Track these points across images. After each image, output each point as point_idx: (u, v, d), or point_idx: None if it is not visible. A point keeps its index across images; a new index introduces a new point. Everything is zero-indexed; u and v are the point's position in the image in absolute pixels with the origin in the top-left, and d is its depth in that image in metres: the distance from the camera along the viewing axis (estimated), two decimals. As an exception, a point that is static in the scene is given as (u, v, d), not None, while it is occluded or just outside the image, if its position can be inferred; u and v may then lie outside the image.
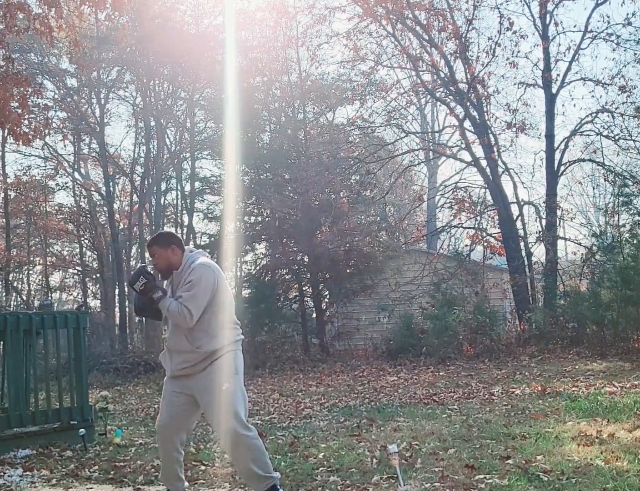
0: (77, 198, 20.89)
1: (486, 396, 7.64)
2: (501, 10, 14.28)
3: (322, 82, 17.81)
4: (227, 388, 3.61)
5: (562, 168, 15.00)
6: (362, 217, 18.07)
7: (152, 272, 3.81)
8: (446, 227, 17.03)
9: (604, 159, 14.81)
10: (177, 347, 3.72)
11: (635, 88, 14.13)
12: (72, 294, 23.66)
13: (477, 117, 14.86)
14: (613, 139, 14.40)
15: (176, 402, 3.76)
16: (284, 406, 8.18)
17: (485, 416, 6.24)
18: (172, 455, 3.79)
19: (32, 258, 21.53)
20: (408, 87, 17.70)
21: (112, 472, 4.92)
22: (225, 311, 3.75)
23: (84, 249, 21.79)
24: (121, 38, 13.35)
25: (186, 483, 3.98)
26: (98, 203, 20.79)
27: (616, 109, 14.26)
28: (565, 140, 14.84)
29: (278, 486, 3.69)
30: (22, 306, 19.84)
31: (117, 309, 19.13)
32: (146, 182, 19.77)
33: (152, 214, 19.81)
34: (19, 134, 8.60)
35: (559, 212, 14.73)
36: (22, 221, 21.04)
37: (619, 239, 13.27)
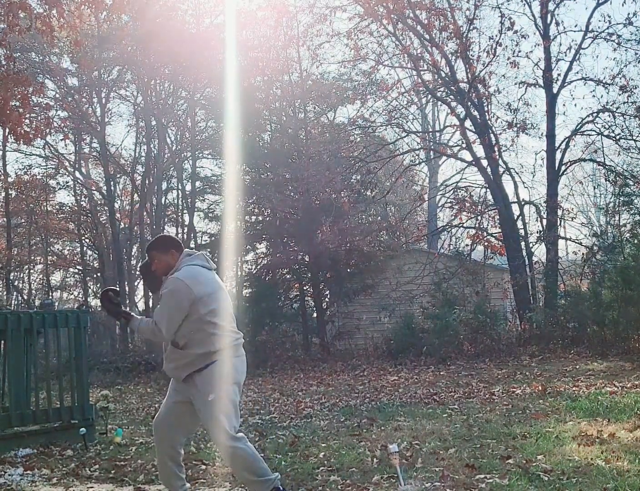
0: (78, 197, 20.92)
1: (487, 396, 7.64)
2: (502, 10, 14.29)
3: (322, 82, 17.81)
4: (213, 398, 3.55)
5: (563, 168, 15.00)
6: (363, 216, 18.07)
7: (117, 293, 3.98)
8: (447, 227, 17.03)
9: (604, 158, 14.83)
10: (168, 350, 3.75)
11: (636, 88, 14.12)
12: (72, 293, 23.70)
13: (478, 116, 14.84)
14: (614, 138, 14.39)
15: (173, 399, 3.78)
16: (285, 406, 8.18)
17: (486, 416, 6.24)
18: (168, 454, 3.76)
19: (33, 257, 21.55)
20: (409, 87, 17.71)
21: (112, 471, 4.93)
22: (213, 319, 3.63)
23: (84, 248, 21.80)
24: (122, 37, 13.34)
25: (187, 485, 3.94)
26: (99, 202, 20.81)
27: (617, 108, 14.26)
28: (566, 140, 14.83)
29: (279, 486, 3.66)
30: (23, 305, 19.86)
31: (117, 308, 19.10)
32: (147, 182, 19.77)
33: (153, 213, 19.81)
34: (19, 134, 8.60)
35: (559, 212, 14.72)
36: (23, 220, 21.05)
37: (619, 239, 13.28)
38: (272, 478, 3.64)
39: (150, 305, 19.07)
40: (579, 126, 14.76)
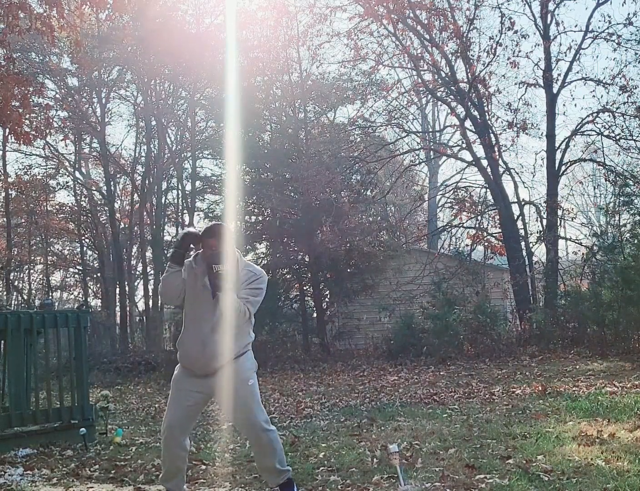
0: (78, 197, 20.91)
1: (487, 396, 7.64)
2: (502, 10, 14.29)
3: (323, 82, 17.81)
4: (253, 383, 3.70)
5: (563, 168, 15.00)
6: (363, 216, 18.06)
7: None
8: (447, 227, 17.04)
9: (604, 158, 14.80)
10: (220, 340, 3.61)
11: (636, 88, 14.11)
12: (72, 293, 23.70)
13: (478, 116, 14.84)
14: (614, 138, 14.39)
15: (190, 401, 3.69)
16: (285, 406, 8.18)
17: (486, 416, 6.24)
18: (180, 454, 3.74)
19: (33, 257, 21.56)
20: (409, 87, 17.73)
21: (112, 471, 4.92)
22: (254, 315, 3.86)
23: (84, 248, 21.82)
24: (122, 37, 13.31)
25: (186, 485, 3.95)
26: (99, 202, 20.81)
27: (617, 108, 14.25)
28: (566, 140, 14.83)
29: (292, 478, 3.79)
30: (23, 305, 19.85)
31: (117, 308, 19.14)
32: (147, 182, 19.78)
33: (153, 213, 19.82)
34: (19, 134, 8.59)
35: (559, 212, 14.72)
36: (23, 220, 21.05)
37: (619, 239, 13.26)
38: (289, 470, 3.78)
39: (151, 305, 19.07)
40: (579, 126, 14.76)
